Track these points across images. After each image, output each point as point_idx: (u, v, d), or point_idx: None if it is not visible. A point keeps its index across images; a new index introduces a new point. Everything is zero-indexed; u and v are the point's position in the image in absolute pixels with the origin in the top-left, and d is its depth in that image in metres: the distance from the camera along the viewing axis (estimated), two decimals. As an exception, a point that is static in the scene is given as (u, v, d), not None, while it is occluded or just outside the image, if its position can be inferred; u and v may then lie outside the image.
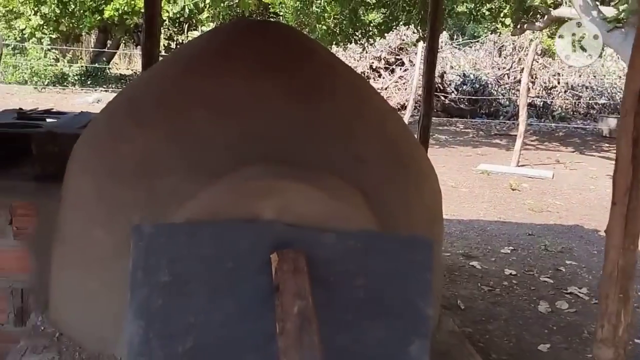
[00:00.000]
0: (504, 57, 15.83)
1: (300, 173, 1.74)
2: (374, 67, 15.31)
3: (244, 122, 1.91)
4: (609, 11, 9.55)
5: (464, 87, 15.19)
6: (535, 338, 3.45)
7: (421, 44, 10.91)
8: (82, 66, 17.55)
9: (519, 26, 12.12)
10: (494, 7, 11.99)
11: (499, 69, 15.66)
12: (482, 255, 4.88)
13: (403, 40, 15.18)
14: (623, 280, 1.81)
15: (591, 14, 9.29)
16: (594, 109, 15.23)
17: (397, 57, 15.31)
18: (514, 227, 5.80)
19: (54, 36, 16.44)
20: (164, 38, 17.48)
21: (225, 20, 14.75)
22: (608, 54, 15.54)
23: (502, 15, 11.95)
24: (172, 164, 1.84)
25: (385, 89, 14.67)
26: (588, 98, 15.26)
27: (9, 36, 15.92)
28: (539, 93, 15.12)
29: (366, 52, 15.05)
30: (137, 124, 1.96)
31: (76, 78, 16.63)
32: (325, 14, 12.52)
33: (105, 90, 15.48)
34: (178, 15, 16.72)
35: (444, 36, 15.88)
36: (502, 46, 15.93)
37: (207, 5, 15.43)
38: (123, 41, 20.07)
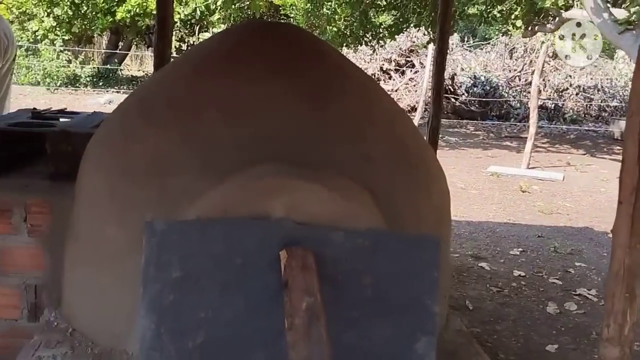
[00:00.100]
0: (515, 59, 15.81)
1: (309, 172, 1.76)
2: (384, 69, 15.32)
3: (254, 123, 1.93)
4: (620, 13, 9.52)
5: (475, 89, 15.16)
6: (543, 339, 3.46)
7: (431, 46, 10.93)
8: (94, 68, 17.69)
9: (530, 28, 12.10)
10: (504, 9, 11.96)
11: (510, 71, 15.63)
12: (491, 257, 4.89)
13: (413, 42, 15.18)
14: (629, 279, 1.82)
15: (602, 16, 9.26)
16: (605, 111, 15.18)
17: (408, 59, 15.32)
18: (524, 229, 5.80)
19: (66, 38, 16.57)
20: (175, 40, 17.57)
21: (236, 22, 14.81)
22: (620, 57, 15.49)
23: (513, 17, 11.91)
24: (183, 164, 1.87)
25: (396, 90, 14.68)
26: (600, 100, 15.20)
27: (22, 38, 16.07)
28: (550, 95, 15.08)
29: (376, 54, 15.06)
30: (149, 124, 2.00)
31: (88, 79, 16.76)
32: (336, 16, 12.53)
33: (117, 92, 15.58)
34: (189, 17, 16.81)
35: (455, 38, 15.88)
36: (514, 48, 15.90)
37: (218, 7, 15.50)
38: (134, 43, 20.20)
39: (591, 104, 15.24)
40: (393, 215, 1.85)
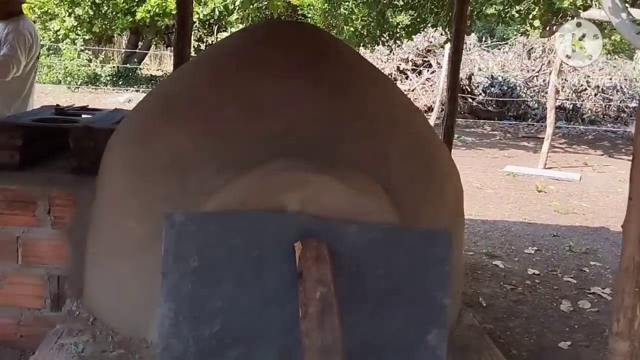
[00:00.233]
0: (533, 60, 15.72)
1: (325, 167, 1.81)
2: (401, 69, 15.32)
3: (273, 120, 1.98)
4: (639, 13, 9.45)
5: (492, 89, 15.11)
6: (556, 336, 3.47)
7: (448, 46, 10.91)
8: (114, 67, 17.84)
9: (547, 28, 12.04)
10: (522, 9, 11.91)
11: (527, 71, 15.55)
12: (505, 255, 4.90)
13: (430, 42, 15.15)
14: (639, 274, 1.85)
15: (620, 16, 9.20)
16: (624, 112, 15.05)
17: (425, 59, 15.30)
18: (539, 228, 5.79)
19: (87, 37, 16.73)
20: (194, 40, 17.68)
21: (254, 22, 14.88)
22: (639, 57, 15.35)
23: (531, 17, 11.86)
24: (203, 159, 1.92)
25: (412, 90, 14.67)
26: (619, 101, 15.08)
27: (44, 37, 16.23)
28: (568, 96, 14.97)
29: (393, 54, 15.05)
30: (169, 121, 2.05)
31: (108, 78, 16.92)
32: (353, 16, 12.54)
33: (137, 91, 15.71)
34: (208, 17, 16.90)
35: (472, 38, 15.81)
36: (532, 48, 15.81)
37: (237, 7, 15.58)
38: (154, 42, 20.32)
39: (610, 105, 15.12)
40: (406, 210, 1.89)
